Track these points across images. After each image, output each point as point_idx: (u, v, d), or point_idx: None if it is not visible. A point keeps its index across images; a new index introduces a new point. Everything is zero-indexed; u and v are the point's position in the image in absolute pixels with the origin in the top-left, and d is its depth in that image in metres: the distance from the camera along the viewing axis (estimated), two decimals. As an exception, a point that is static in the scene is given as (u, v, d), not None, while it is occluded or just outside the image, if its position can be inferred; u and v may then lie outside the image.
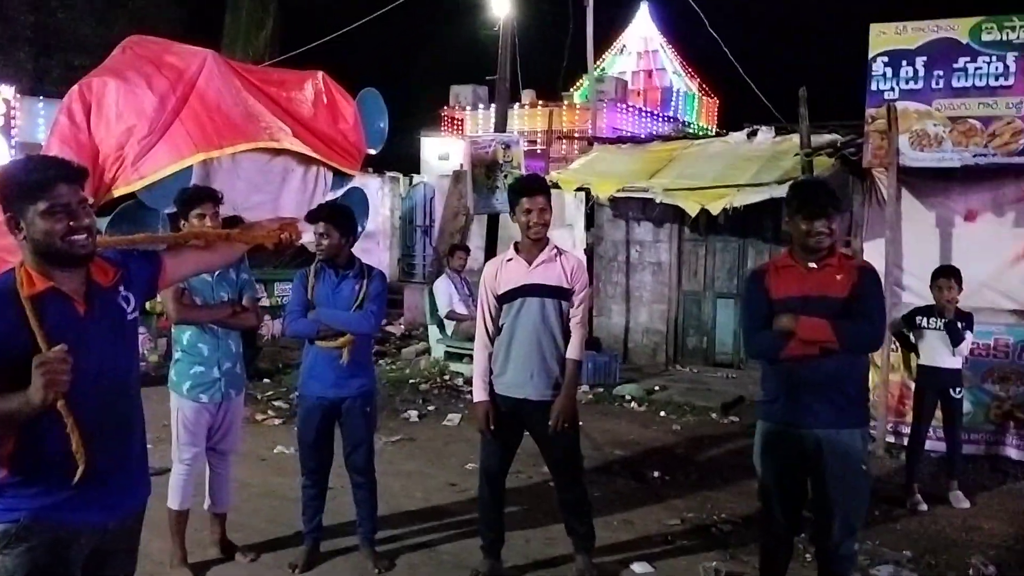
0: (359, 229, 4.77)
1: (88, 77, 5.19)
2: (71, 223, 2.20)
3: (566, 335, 4.08)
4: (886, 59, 6.69)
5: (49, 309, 2.20)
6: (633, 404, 8.46)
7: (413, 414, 7.90)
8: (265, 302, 10.43)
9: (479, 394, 4.13)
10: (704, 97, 22.83)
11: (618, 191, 9.68)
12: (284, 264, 10.88)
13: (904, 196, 6.98)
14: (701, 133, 15.59)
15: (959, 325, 5.41)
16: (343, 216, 4.29)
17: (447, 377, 9.53)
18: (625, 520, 5.13)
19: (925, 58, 6.56)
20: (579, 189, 10.43)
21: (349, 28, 14.76)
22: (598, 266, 10.83)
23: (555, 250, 4.10)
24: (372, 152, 6.47)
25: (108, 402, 2.30)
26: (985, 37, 6.36)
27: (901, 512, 5.33)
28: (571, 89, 20.05)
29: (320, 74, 6.05)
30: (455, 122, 17.95)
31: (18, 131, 11.23)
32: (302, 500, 4.41)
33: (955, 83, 6.48)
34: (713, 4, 15.75)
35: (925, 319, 5.58)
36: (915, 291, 6.62)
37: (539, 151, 14.71)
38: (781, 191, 7.42)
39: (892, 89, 6.68)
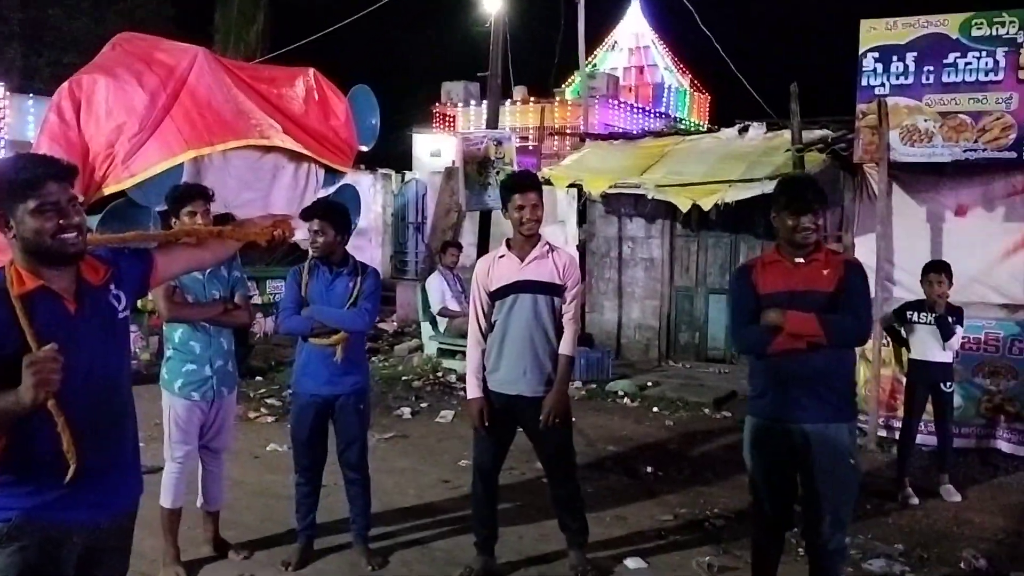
0: (352, 226, 4.76)
1: (78, 74, 5.16)
2: (61, 221, 2.19)
3: (559, 331, 4.09)
4: (876, 55, 6.70)
5: (39, 308, 2.19)
6: (626, 400, 8.48)
7: (406, 411, 7.90)
8: (257, 300, 10.40)
9: (473, 391, 4.13)
10: (696, 93, 22.89)
11: (610, 187, 9.69)
12: (276, 261, 10.86)
13: (895, 191, 7.01)
14: (693, 129, 15.61)
15: (949, 319, 5.43)
16: (338, 213, 4.29)
17: (440, 374, 9.53)
18: (618, 516, 5.14)
19: (915, 54, 6.57)
20: (571, 185, 10.44)
21: (340, 25, 14.74)
22: (590, 262, 10.84)
23: (547, 246, 4.10)
24: (364, 149, 6.46)
25: (99, 401, 2.29)
26: (975, 32, 6.39)
27: (893, 506, 5.36)
28: (563, 85, 20.06)
29: (311, 71, 6.03)
30: (447, 119, 17.96)
31: (7, 129, 11.15)
32: (295, 498, 4.41)
33: (945, 78, 6.49)
34: (704, 0, 15.79)
35: (916, 314, 5.60)
36: (906, 286, 6.65)
37: (531, 147, 14.73)
38: (772, 187, 7.41)
39: (883, 85, 6.69)
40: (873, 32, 6.73)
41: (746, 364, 3.84)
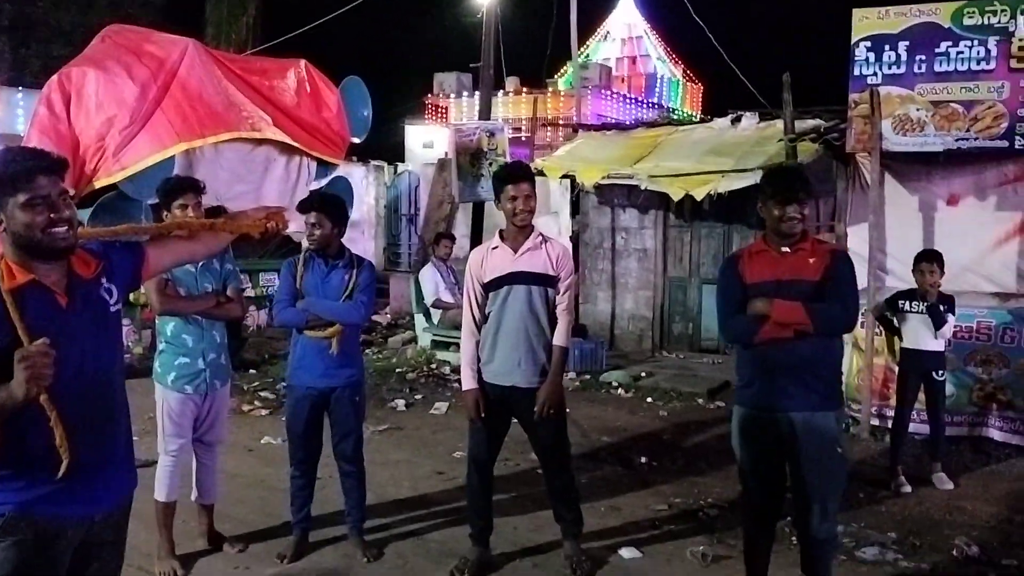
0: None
1: (67, 67, 5.13)
2: (51, 215, 2.18)
3: (552, 322, 4.09)
4: (869, 44, 6.71)
5: (30, 302, 2.18)
6: (620, 391, 8.49)
7: (400, 403, 7.90)
8: (250, 292, 10.39)
9: (468, 382, 4.13)
10: (688, 83, 22.87)
11: (603, 178, 9.68)
12: (269, 254, 10.84)
13: (887, 181, 7.02)
14: (685, 119, 15.61)
15: (941, 308, 5.45)
16: (335, 206, 4.28)
17: (434, 366, 9.53)
18: (613, 506, 5.16)
19: (907, 43, 6.58)
20: (564, 176, 10.43)
21: (332, 16, 14.67)
22: (584, 253, 10.84)
23: (540, 237, 4.10)
24: (356, 141, 6.44)
25: (92, 395, 2.29)
26: (967, 21, 6.39)
27: (885, 494, 5.38)
28: (555, 76, 20.04)
29: (303, 62, 6.00)
30: (439, 110, 17.92)
31: (-3, 123, 11.09)
32: (291, 490, 4.41)
33: (937, 67, 6.50)
34: (697, -10, 15.76)
35: (908, 303, 5.62)
36: (898, 275, 6.67)
37: (524, 138, 14.71)
38: (765, 177, 7.42)
39: (875, 74, 6.70)
40: (865, 21, 6.73)
41: (740, 355, 3.85)
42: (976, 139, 6.42)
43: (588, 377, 8.89)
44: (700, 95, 23.14)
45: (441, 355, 9.71)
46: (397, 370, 9.42)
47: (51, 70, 5.39)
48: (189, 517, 4.48)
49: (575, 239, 11.01)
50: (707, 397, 8.13)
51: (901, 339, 5.74)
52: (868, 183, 6.93)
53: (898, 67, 6.63)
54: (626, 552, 4.42)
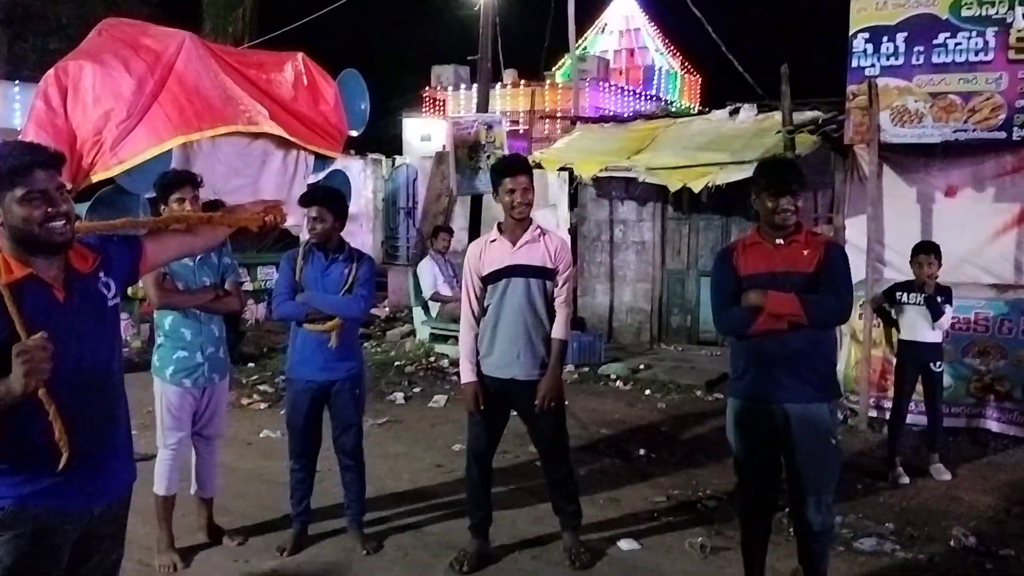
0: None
1: (64, 61, 5.13)
2: (49, 209, 2.18)
3: (551, 315, 4.10)
4: (867, 35, 6.69)
5: (28, 296, 2.18)
6: (618, 383, 8.50)
7: (399, 396, 7.91)
8: (248, 286, 10.38)
9: (467, 375, 4.14)
10: (686, 75, 22.81)
11: (601, 170, 9.67)
12: (267, 248, 10.83)
13: (885, 172, 7.02)
14: (684, 111, 15.57)
15: (939, 300, 5.46)
16: (337, 200, 4.30)
17: (432, 359, 9.53)
18: (611, 498, 5.17)
19: (905, 34, 6.57)
20: (562, 169, 10.41)
21: (329, 8, 14.62)
22: (582, 246, 10.84)
23: (538, 230, 4.10)
24: (354, 134, 6.44)
25: (90, 389, 2.29)
26: (965, 12, 6.37)
27: (883, 485, 5.40)
28: (553, 68, 19.95)
29: (300, 55, 6.00)
30: (437, 103, 17.87)
31: (-7, 117, 11.06)
32: (290, 484, 4.41)
33: (935, 59, 6.49)
34: (694, -18, 15.69)
35: (905, 294, 5.62)
36: (896, 267, 6.68)
37: (522, 131, 14.67)
38: (763, 169, 7.42)
39: (873, 65, 6.69)
40: (863, 13, 6.72)
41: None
42: (974, 130, 6.41)
43: (587, 370, 8.90)
44: (698, 87, 23.07)
45: (440, 348, 9.71)
46: (396, 363, 9.43)
47: (48, 64, 5.38)
48: (189, 511, 4.48)
49: (573, 232, 11.01)
50: (705, 389, 8.14)
51: (899, 331, 5.75)
52: (866, 175, 6.93)
53: (896, 58, 6.62)
54: (625, 544, 4.43)
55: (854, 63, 6.76)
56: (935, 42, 6.47)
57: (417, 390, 8.22)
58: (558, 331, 4.09)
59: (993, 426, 6.44)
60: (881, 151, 6.76)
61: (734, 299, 3.49)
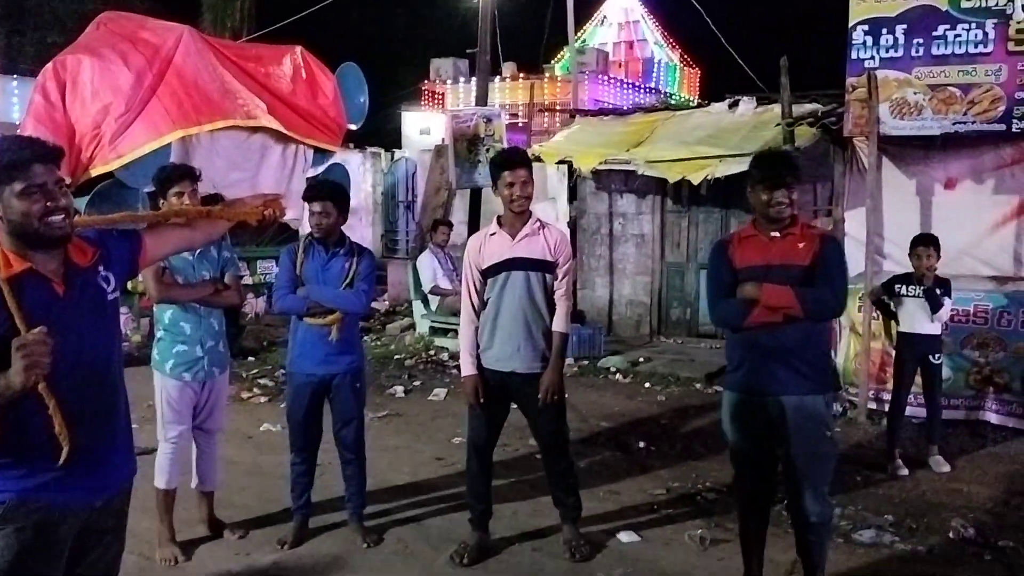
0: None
1: (62, 55, 5.12)
2: (48, 204, 2.18)
3: (551, 308, 4.10)
4: (866, 27, 6.68)
5: (27, 291, 2.18)
6: (618, 376, 8.51)
7: (399, 390, 7.92)
8: (248, 280, 10.37)
9: (467, 368, 4.14)
10: (686, 68, 22.78)
11: (600, 163, 9.67)
12: (266, 242, 10.82)
13: (884, 165, 7.01)
14: (683, 104, 15.56)
15: (937, 292, 5.46)
16: (341, 195, 4.31)
17: (432, 352, 9.54)
18: (611, 490, 5.18)
19: (905, 26, 6.55)
20: (561, 162, 10.41)
21: (327, 2, 14.59)
22: (581, 239, 10.83)
23: (538, 223, 4.10)
24: (353, 127, 6.44)
25: (90, 383, 2.29)
26: (964, 4, 6.35)
27: (882, 477, 5.41)
28: (552, 61, 19.93)
29: (298, 49, 6.00)
30: (436, 96, 17.86)
31: (-8, 111, 11.04)
32: (291, 477, 4.42)
33: (935, 51, 6.48)
34: (694, -27, 15.65)
35: (904, 287, 5.63)
36: (896, 259, 6.67)
37: (521, 124, 14.68)
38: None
39: (872, 58, 6.67)
40: (863, 4, 6.70)
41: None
42: (974, 123, 6.40)
43: (586, 363, 8.90)
44: (697, 80, 23.05)
45: (439, 341, 9.72)
46: (395, 357, 9.44)
47: (46, 58, 5.38)
48: (189, 504, 4.49)
49: (572, 225, 11.01)
50: (705, 382, 8.14)
51: (898, 323, 5.75)
52: (865, 167, 6.92)
53: (895, 50, 6.61)
54: (625, 536, 4.44)
55: (853, 55, 6.74)
56: (934, 34, 6.45)
57: (417, 383, 8.23)
58: (559, 324, 4.09)
59: (992, 418, 6.45)
60: (880, 143, 6.75)
61: (729, 291, 3.49)
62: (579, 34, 19.38)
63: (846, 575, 4.05)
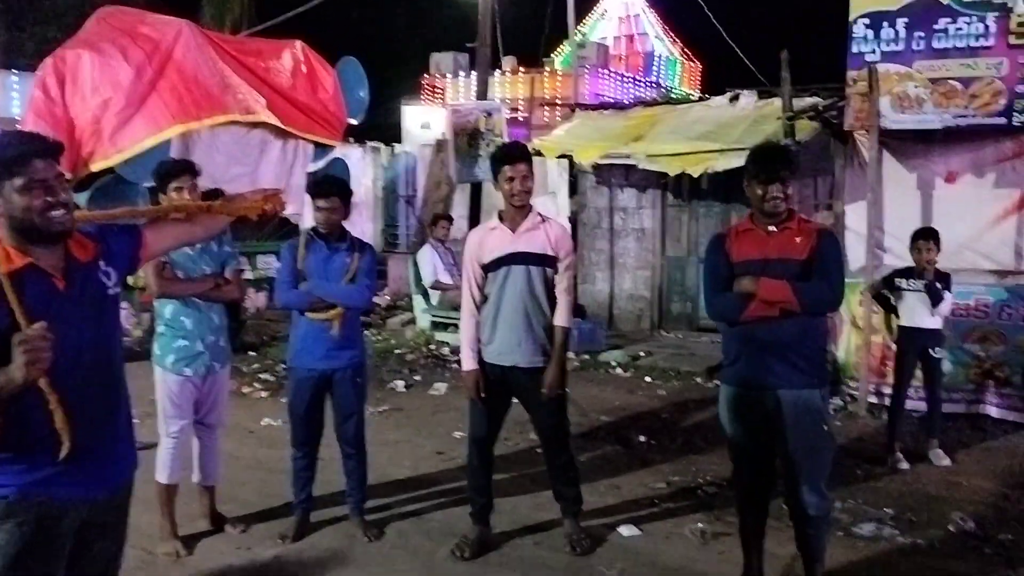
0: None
1: (62, 49, 5.11)
2: (48, 199, 2.18)
3: (552, 302, 4.10)
4: (867, 21, 6.67)
5: (28, 286, 2.18)
6: (619, 370, 8.51)
7: (400, 384, 7.92)
8: (248, 275, 10.38)
9: (468, 363, 4.14)
10: (686, 62, 22.74)
11: (601, 157, 9.66)
12: (267, 236, 10.83)
13: (885, 158, 7.01)
14: (683, 98, 15.53)
15: (938, 286, 5.46)
16: (347, 191, 4.33)
17: (433, 347, 9.55)
18: (612, 484, 5.19)
19: (906, 19, 6.55)
20: (562, 156, 10.40)
21: (327, -4, 14.53)
22: (582, 233, 10.83)
23: (539, 217, 4.10)
24: (353, 122, 6.42)
25: (91, 377, 2.29)
26: (965, -2, 6.35)
27: (883, 471, 5.42)
28: (552, 55, 19.89)
29: (298, 43, 5.98)
30: (436, 90, 17.83)
31: (-8, 106, 11.03)
32: (292, 471, 4.43)
33: (936, 44, 6.47)
34: (694, -33, 15.64)
35: (905, 281, 5.63)
36: (896, 253, 6.67)
37: (521, 118, 14.66)
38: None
39: (873, 51, 6.68)
40: (864, -2, 6.70)
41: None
42: (974, 116, 6.40)
43: (587, 357, 8.91)
44: (698, 74, 23.00)
45: (440, 336, 9.73)
46: (396, 351, 9.44)
47: (46, 52, 5.37)
48: (191, 499, 4.49)
49: (573, 219, 11.00)
50: (705, 376, 8.14)
51: (898, 317, 5.75)
52: (866, 161, 6.92)
53: (896, 44, 6.60)
54: (625, 530, 4.45)
55: (854, 49, 6.74)
56: (935, 27, 6.45)
57: (418, 378, 8.24)
58: (561, 319, 4.09)
59: (992, 412, 6.46)
60: (881, 137, 6.75)
61: (726, 285, 3.49)
62: (579, 28, 19.34)
63: (846, 568, 4.05)
